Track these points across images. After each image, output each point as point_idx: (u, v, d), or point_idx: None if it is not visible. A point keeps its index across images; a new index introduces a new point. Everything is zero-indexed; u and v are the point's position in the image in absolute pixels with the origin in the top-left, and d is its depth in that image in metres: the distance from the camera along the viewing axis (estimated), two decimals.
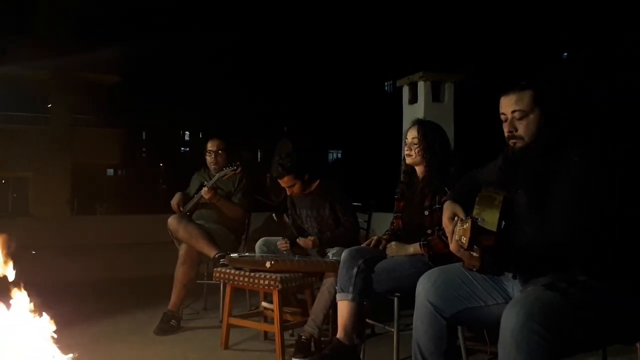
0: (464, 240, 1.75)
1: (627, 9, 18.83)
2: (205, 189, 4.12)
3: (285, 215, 3.98)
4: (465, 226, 1.76)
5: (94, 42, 17.61)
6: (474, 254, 1.76)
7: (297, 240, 3.60)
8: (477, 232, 1.74)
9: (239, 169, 4.21)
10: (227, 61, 27.36)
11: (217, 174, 4.23)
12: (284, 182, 3.61)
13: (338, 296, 2.85)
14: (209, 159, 4.37)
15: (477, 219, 1.80)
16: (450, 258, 2.14)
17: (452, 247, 1.87)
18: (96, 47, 17.41)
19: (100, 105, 19.22)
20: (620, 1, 19.18)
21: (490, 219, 1.87)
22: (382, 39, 27.50)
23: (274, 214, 6.34)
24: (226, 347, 3.40)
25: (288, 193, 3.74)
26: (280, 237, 3.78)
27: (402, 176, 3.15)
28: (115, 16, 18.91)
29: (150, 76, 24.36)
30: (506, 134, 2.01)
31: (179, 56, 25.14)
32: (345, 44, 28.49)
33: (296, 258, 3.37)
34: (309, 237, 3.60)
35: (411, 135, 2.98)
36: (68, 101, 17.90)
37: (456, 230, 1.83)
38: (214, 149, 4.35)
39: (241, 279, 3.29)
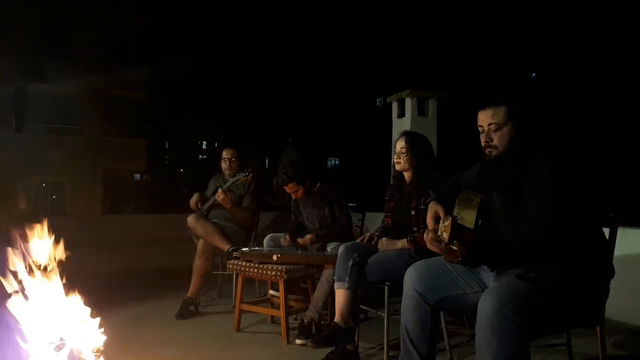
0: (445, 235, 1.75)
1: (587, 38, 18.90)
2: (220, 191, 4.11)
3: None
4: (446, 223, 1.76)
5: (123, 63, 17.61)
6: (454, 248, 1.76)
7: (297, 240, 3.60)
8: (457, 229, 1.74)
9: (250, 175, 4.20)
10: (239, 80, 27.44)
11: (232, 179, 4.22)
12: (288, 188, 3.62)
13: (336, 285, 2.85)
14: (224, 165, 4.36)
15: (456, 217, 1.80)
16: (433, 252, 2.14)
17: (432, 249, 1.84)
18: (125, 67, 17.41)
19: (128, 118, 19.24)
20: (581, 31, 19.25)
21: (468, 217, 1.87)
22: (375, 62, 27.61)
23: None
24: (238, 329, 3.40)
25: (293, 197, 3.75)
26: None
27: (391, 180, 3.15)
28: (143, 40, 18.92)
29: (172, 93, 24.46)
30: (483, 144, 2.01)
31: (197, 76, 25.21)
32: (342, 66, 28.61)
33: (299, 252, 3.37)
34: (307, 236, 3.59)
35: (399, 145, 2.98)
36: (100, 114, 17.99)
37: (438, 227, 1.83)
38: (228, 156, 4.33)
39: (251, 270, 3.29)
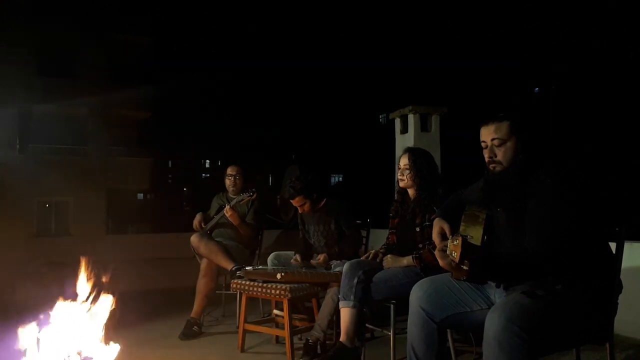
0: (455, 254, 1.74)
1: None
2: (227, 207, 4.10)
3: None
4: (456, 242, 1.75)
5: (128, 82, 17.75)
6: (465, 267, 1.74)
7: (311, 261, 3.57)
8: (468, 248, 1.73)
9: (255, 195, 4.20)
10: (242, 99, 27.66)
11: (236, 198, 4.21)
12: (295, 202, 3.61)
13: (341, 304, 2.83)
14: (228, 182, 4.36)
15: (466, 236, 1.78)
16: (439, 269, 2.13)
17: (442, 263, 1.84)
18: (129, 87, 17.54)
19: (131, 138, 19.31)
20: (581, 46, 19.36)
21: (475, 234, 1.86)
22: (377, 79, 27.80)
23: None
24: (242, 350, 3.37)
25: (299, 212, 3.73)
26: (290, 252, 3.77)
27: (396, 197, 3.14)
28: (147, 60, 19.08)
29: (176, 112, 24.61)
30: (486, 159, 2.01)
31: (200, 95, 25.40)
32: (345, 83, 28.83)
33: (303, 270, 3.35)
34: (319, 255, 3.57)
35: (403, 162, 2.98)
36: (104, 134, 18.09)
37: (447, 247, 1.81)
38: (233, 173, 4.35)
39: (255, 289, 3.28)
